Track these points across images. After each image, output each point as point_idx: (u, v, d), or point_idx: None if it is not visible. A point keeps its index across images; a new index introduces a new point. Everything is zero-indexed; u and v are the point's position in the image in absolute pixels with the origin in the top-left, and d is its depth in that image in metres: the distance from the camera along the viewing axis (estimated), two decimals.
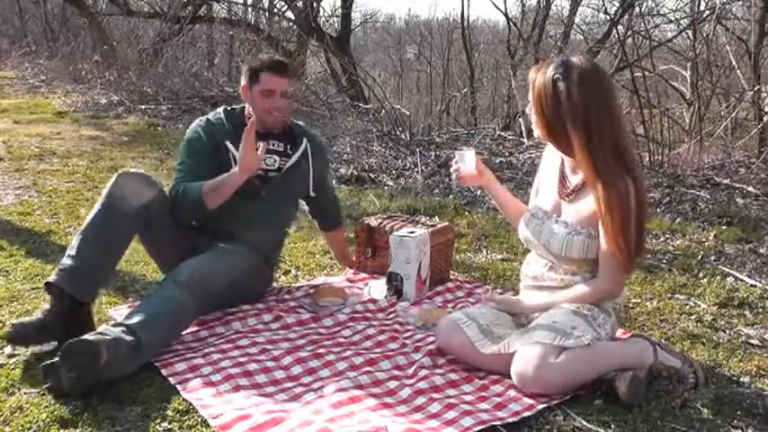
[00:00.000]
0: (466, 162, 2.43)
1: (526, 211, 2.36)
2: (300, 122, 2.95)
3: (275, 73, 2.71)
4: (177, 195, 2.58)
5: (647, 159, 5.24)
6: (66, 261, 2.37)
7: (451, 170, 2.47)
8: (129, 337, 2.10)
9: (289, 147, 2.82)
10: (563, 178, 2.26)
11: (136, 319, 2.18)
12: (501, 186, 2.51)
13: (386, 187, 4.91)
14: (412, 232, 2.86)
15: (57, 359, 1.98)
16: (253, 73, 2.72)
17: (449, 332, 2.23)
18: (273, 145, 2.79)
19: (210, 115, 2.80)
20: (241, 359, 2.22)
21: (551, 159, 2.34)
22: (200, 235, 2.67)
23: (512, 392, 2.05)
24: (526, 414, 1.94)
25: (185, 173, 2.66)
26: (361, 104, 7.70)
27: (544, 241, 2.23)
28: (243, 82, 2.76)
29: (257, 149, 2.54)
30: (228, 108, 2.83)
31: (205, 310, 2.52)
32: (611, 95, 2.15)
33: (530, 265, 2.34)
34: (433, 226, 3.08)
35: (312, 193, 2.90)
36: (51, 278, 2.35)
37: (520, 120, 6.94)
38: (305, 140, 2.85)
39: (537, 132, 2.21)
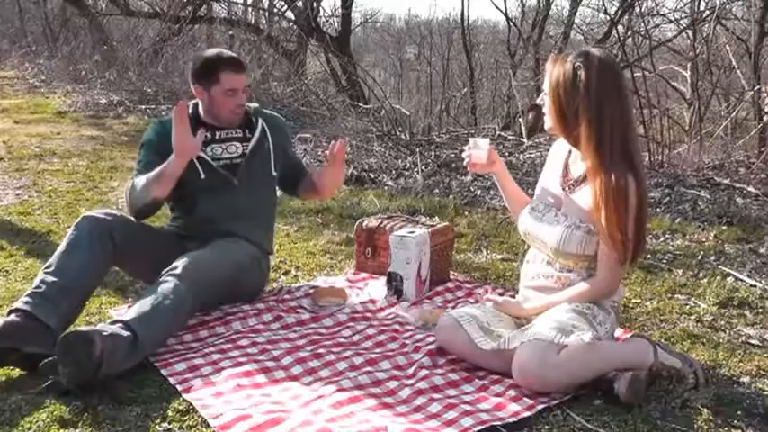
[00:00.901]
0: (479, 148, 2.45)
1: (528, 204, 2.37)
2: (253, 104, 2.91)
3: (235, 71, 2.66)
4: (127, 190, 2.58)
5: (647, 159, 5.24)
6: (33, 289, 2.29)
7: (464, 155, 2.48)
8: (126, 333, 2.10)
9: (247, 131, 2.79)
10: (566, 170, 2.28)
11: (132, 315, 2.18)
12: (511, 178, 2.52)
13: (386, 187, 4.91)
14: (412, 232, 2.86)
15: (54, 357, 1.99)
16: (209, 75, 2.64)
17: (449, 329, 2.24)
18: (232, 132, 2.76)
19: (165, 117, 2.77)
20: (241, 359, 2.22)
21: (557, 153, 2.36)
22: (187, 242, 2.65)
23: (512, 392, 2.05)
24: (526, 414, 1.94)
25: (140, 171, 2.61)
26: (361, 104, 7.70)
27: (542, 234, 2.24)
28: (194, 86, 2.69)
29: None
30: None
31: (203, 304, 2.50)
32: (625, 92, 2.19)
33: (528, 264, 2.35)
34: (432, 226, 3.08)
35: (274, 172, 2.82)
36: (15, 305, 2.25)
37: (520, 120, 6.94)
38: (260, 120, 2.81)
39: (548, 123, 2.22)
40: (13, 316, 2.21)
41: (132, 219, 2.59)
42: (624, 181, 2.08)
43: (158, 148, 2.62)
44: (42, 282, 2.29)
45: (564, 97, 2.14)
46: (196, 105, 2.77)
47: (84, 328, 2.05)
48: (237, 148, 2.75)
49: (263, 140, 2.79)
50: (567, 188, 2.25)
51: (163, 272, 2.39)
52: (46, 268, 2.34)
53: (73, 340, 1.98)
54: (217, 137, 2.73)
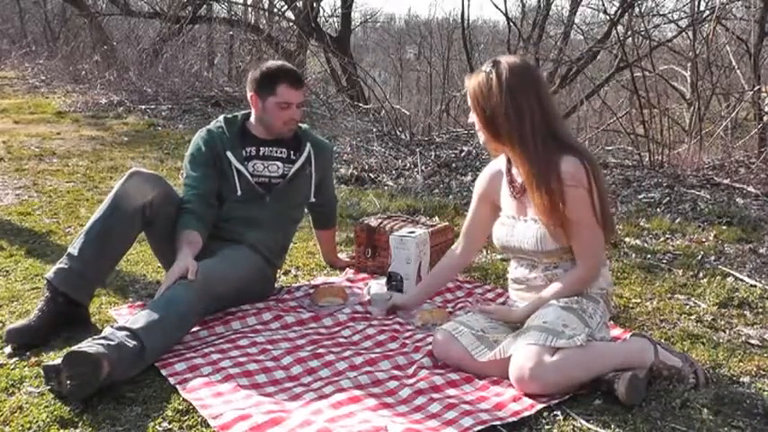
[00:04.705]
0: (376, 305, 2.70)
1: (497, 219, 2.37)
2: (304, 125, 2.94)
3: (293, 85, 2.70)
4: (179, 213, 2.61)
5: (647, 159, 5.25)
6: (66, 260, 2.42)
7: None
8: (132, 343, 2.10)
9: (292, 153, 2.83)
10: (512, 179, 2.32)
11: (141, 324, 2.17)
12: (420, 292, 2.67)
13: (386, 187, 4.91)
14: (412, 232, 2.86)
15: (59, 361, 1.98)
16: (267, 84, 2.69)
17: (444, 343, 2.23)
18: (276, 152, 2.80)
19: (212, 125, 2.80)
20: (241, 359, 2.22)
21: (495, 169, 2.40)
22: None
23: (512, 392, 2.05)
24: (526, 414, 1.94)
25: (193, 186, 2.67)
26: (361, 104, 7.70)
27: (518, 243, 2.26)
28: (250, 93, 2.73)
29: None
30: (229, 116, 2.83)
31: (208, 312, 2.52)
32: (541, 85, 2.24)
33: (513, 273, 2.36)
34: (433, 226, 3.08)
35: (312, 198, 2.90)
36: (48, 275, 2.42)
37: None
38: (308, 145, 2.85)
39: (481, 138, 2.29)
40: (48, 299, 2.38)
41: (173, 192, 2.64)
42: (556, 164, 2.13)
43: (205, 158, 2.71)
44: (80, 255, 2.39)
45: (483, 104, 2.20)
46: (246, 117, 2.82)
47: (92, 348, 2.00)
48: (279, 168, 2.78)
49: (307, 166, 2.83)
50: (517, 195, 2.29)
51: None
52: (87, 230, 2.43)
53: (81, 360, 1.96)
54: (261, 153, 2.78)
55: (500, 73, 2.17)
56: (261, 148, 2.78)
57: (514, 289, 2.37)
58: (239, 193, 2.70)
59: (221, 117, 2.83)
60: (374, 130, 6.38)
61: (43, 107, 8.44)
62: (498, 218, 2.38)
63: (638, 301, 2.89)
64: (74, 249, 2.42)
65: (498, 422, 1.90)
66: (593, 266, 2.22)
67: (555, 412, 1.97)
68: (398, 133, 6.38)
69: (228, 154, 2.70)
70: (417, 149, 5.73)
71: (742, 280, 3.12)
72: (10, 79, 11.58)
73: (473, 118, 2.27)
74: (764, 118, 5.60)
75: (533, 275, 2.28)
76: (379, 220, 3.18)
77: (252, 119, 2.81)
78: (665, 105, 6.19)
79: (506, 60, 2.20)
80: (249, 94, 2.74)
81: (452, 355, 2.21)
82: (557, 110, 2.34)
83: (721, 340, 2.51)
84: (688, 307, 2.83)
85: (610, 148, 6.37)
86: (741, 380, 2.20)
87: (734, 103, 5.98)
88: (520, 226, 2.27)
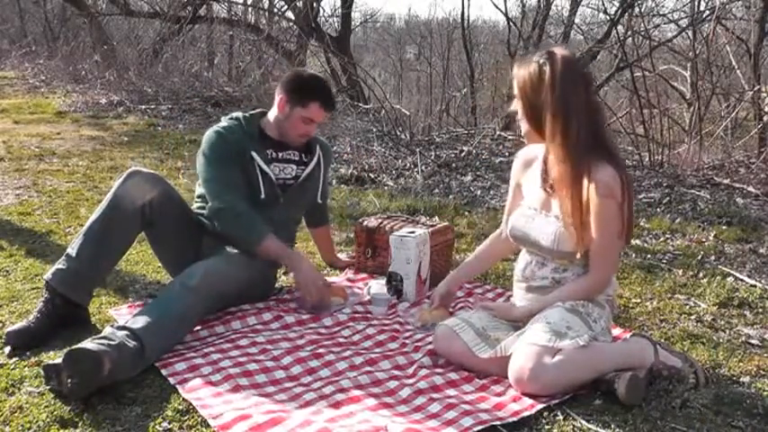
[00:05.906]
0: (377, 305, 2.71)
1: (519, 212, 2.36)
2: None
3: (324, 107, 2.70)
4: (236, 217, 2.58)
5: (647, 159, 5.25)
6: (64, 261, 2.42)
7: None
8: (133, 343, 2.10)
9: (303, 155, 2.84)
10: (545, 171, 2.27)
11: (141, 324, 2.17)
12: (461, 273, 2.61)
13: (386, 187, 4.91)
14: (412, 232, 2.86)
15: (59, 360, 1.98)
16: (301, 95, 2.67)
17: (446, 339, 2.23)
18: (290, 154, 2.81)
19: (227, 122, 2.73)
20: (241, 359, 2.22)
21: (530, 158, 2.36)
22: (206, 236, 2.67)
23: (512, 392, 2.05)
24: (526, 414, 1.94)
25: (223, 185, 2.62)
26: (361, 104, 7.70)
27: (535, 238, 2.24)
28: (282, 94, 2.69)
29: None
30: (247, 115, 2.77)
31: (208, 312, 2.52)
32: (591, 86, 2.21)
33: (522, 267, 2.34)
34: (432, 226, 3.08)
35: (319, 200, 2.91)
36: (47, 276, 2.42)
37: None
38: (318, 148, 2.86)
39: (524, 127, 2.22)
40: (47, 299, 2.38)
41: (173, 192, 2.61)
42: (591, 168, 2.10)
43: (228, 155, 2.65)
44: (78, 256, 2.39)
45: (532, 95, 2.14)
46: (261, 115, 2.80)
47: (93, 345, 2.00)
48: (293, 170, 2.80)
49: (317, 169, 2.85)
50: (548, 189, 2.25)
51: (176, 278, 2.43)
52: (86, 230, 2.43)
53: (81, 357, 1.96)
54: (279, 156, 2.78)
55: (555, 68, 2.10)
56: (279, 152, 2.78)
57: (519, 287, 2.35)
58: (263, 195, 2.67)
59: (240, 115, 2.76)
60: (374, 130, 6.39)
61: (43, 107, 8.44)
62: (520, 206, 2.35)
63: (638, 301, 2.89)
64: (72, 250, 2.42)
65: (498, 422, 1.90)
66: (606, 275, 2.19)
67: (555, 412, 1.97)
68: (398, 133, 6.39)
69: (254, 154, 2.66)
70: (417, 149, 5.73)
71: (742, 280, 3.12)
72: (10, 79, 11.58)
73: (517, 106, 2.21)
74: (764, 118, 5.61)
75: (541, 273, 2.26)
76: (379, 220, 3.18)
77: (270, 117, 2.78)
78: (665, 105, 6.19)
79: (561, 54, 2.13)
80: (279, 95, 2.70)
81: (454, 351, 2.21)
82: (602, 110, 2.30)
83: (721, 340, 2.51)
84: (688, 307, 2.83)
85: None
86: (741, 380, 2.21)
87: (734, 103, 5.98)
88: (540, 220, 2.24)
